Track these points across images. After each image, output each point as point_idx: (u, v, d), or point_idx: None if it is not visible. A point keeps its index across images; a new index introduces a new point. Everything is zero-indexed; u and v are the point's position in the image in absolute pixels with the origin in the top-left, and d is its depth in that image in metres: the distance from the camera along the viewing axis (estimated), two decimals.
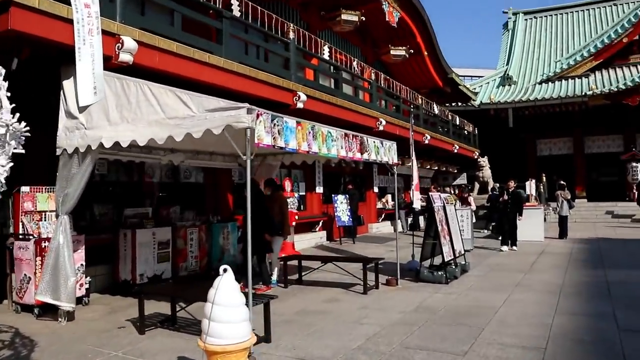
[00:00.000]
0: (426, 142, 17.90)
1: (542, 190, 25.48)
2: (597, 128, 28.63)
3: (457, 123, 23.66)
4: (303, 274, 9.28)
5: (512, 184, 13.49)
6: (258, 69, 9.62)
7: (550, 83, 29.31)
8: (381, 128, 14.45)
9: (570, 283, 8.49)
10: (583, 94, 26.15)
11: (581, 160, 29.21)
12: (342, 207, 15.48)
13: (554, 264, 10.65)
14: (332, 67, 13.53)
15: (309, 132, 5.93)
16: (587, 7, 36.21)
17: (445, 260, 8.76)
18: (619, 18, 31.66)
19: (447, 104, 28.16)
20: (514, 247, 13.28)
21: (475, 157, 24.70)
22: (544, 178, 26.45)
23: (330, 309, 7.02)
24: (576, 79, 28.69)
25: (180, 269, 9.29)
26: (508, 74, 31.53)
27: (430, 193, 9.03)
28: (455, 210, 14.77)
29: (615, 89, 25.19)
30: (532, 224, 15.81)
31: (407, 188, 22.66)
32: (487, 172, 21.67)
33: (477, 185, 22.00)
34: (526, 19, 37.87)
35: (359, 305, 7.24)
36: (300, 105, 10.63)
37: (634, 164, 26.44)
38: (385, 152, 8.19)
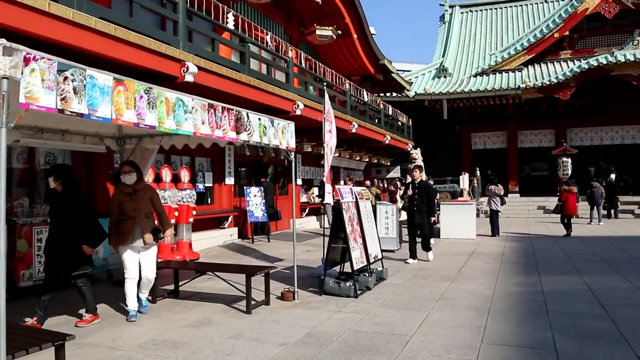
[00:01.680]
0: (353, 130, 16.36)
1: (475, 184, 24.70)
2: (530, 122, 28.24)
3: (390, 113, 22.33)
4: (187, 281, 7.45)
5: (417, 173, 10.38)
6: (129, 29, 7.65)
7: (485, 76, 28.64)
8: (298, 112, 12.74)
9: (502, 294, 7.09)
10: (517, 86, 25.53)
11: (514, 154, 28.72)
12: (255, 200, 13.68)
13: (484, 268, 9.31)
14: (238, 40, 11.68)
15: (140, 97, 4.10)
16: (521, 2, 36.05)
17: (355, 268, 7.16)
18: (550, 14, 31.53)
19: (381, 94, 26.91)
20: (429, 255, 10.44)
21: (409, 149, 23.50)
22: (478, 172, 25.69)
23: (190, 339, 5.24)
24: (510, 72, 28.18)
25: (20, 278, 7.24)
26: (444, 66, 30.69)
27: (337, 186, 7.38)
28: (376, 206, 13.34)
29: (548, 83, 24.66)
30: (464, 221, 14.66)
31: (336, 181, 21.15)
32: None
33: (409, 178, 20.69)
34: (462, 12, 37.32)
35: (232, 332, 5.50)
36: (189, 78, 8.73)
37: (565, 159, 26.07)
38: (276, 133, 6.46)
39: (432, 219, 10.44)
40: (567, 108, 27.14)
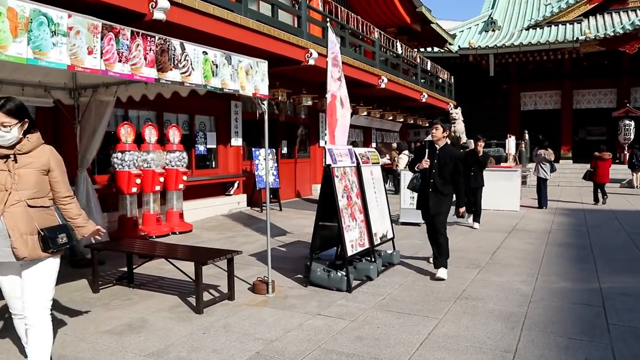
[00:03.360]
0: (382, 85, 14.46)
1: (523, 149, 22.35)
2: (589, 80, 25.35)
3: (429, 69, 20.16)
4: (141, 264, 6.01)
5: (439, 132, 6.14)
6: None
7: (538, 29, 25.73)
8: (312, 62, 10.97)
9: (543, 293, 5.32)
10: (575, 39, 22.68)
11: (569, 116, 25.97)
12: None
13: (524, 252, 7.49)
14: None
15: None
16: None
17: (350, 253, 5.52)
18: None
19: (421, 50, 24.59)
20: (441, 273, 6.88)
21: (449, 109, 21.32)
22: (527, 135, 23.28)
23: (95, 355, 3.77)
24: (567, 24, 25.20)
25: None
26: (492, 18, 27.89)
27: (328, 147, 5.64)
28: (394, 172, 11.55)
29: (612, 34, 21.75)
30: (506, 190, 12.71)
31: (367, 143, 19.35)
32: (459, 126, 18.20)
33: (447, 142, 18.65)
34: None
35: (159, 344, 4.00)
36: (159, 15, 7.11)
37: (627, 122, 23.29)
38: (235, 74, 4.79)
39: (461, 210, 6.29)
40: (633, 64, 24.10)
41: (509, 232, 9.31)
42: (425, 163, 6.05)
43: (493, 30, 27.14)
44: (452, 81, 23.45)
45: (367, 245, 5.93)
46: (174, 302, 5.17)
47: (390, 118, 18.85)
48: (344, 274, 5.42)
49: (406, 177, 10.39)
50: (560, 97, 26.16)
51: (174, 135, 9.57)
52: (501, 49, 23.75)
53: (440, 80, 21.80)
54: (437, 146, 6.13)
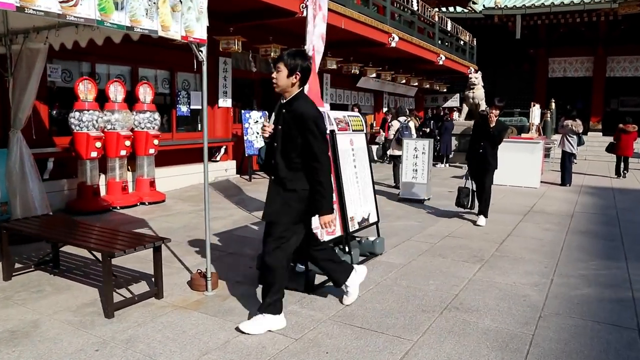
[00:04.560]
0: (393, 44, 13.04)
1: (548, 119, 20.75)
2: (625, 46, 23.29)
3: (449, 29, 18.53)
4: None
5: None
6: None
7: None
8: (308, 14, 9.58)
9: (559, 304, 4.13)
10: None
11: (601, 85, 24.06)
12: (256, 128, 10.93)
13: (539, 241, 6.25)
14: None
15: None
16: None
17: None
18: None
19: (442, 9, 22.82)
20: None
21: (469, 73, 19.75)
22: (553, 105, 21.61)
23: None
24: None
25: None
26: None
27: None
28: (396, 139, 10.36)
29: None
30: (527, 164, 11.38)
31: (378, 108, 17.99)
32: (479, 92, 16.74)
33: (465, 109, 17.22)
34: None
35: None
36: None
37: None
38: (153, 9, 3.57)
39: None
40: None
41: (524, 214, 8.05)
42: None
43: None
44: (475, 44, 21.75)
45: (338, 233, 4.77)
46: (88, 298, 4.12)
47: (404, 82, 17.41)
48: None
49: (408, 147, 9.16)
50: (593, 63, 24.22)
51: (145, 93, 8.43)
52: (530, 9, 21.83)
53: (462, 42, 20.16)
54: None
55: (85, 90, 7.51)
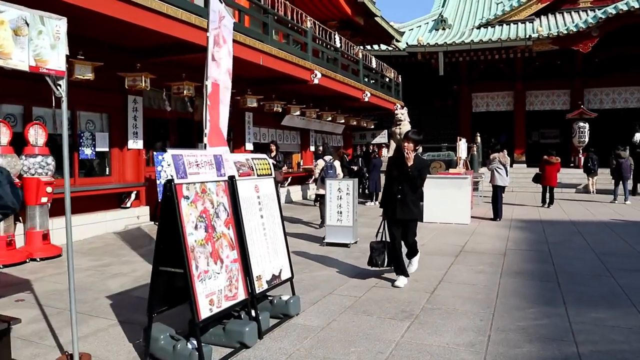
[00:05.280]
0: (316, 81, 12.62)
1: (475, 152, 21.00)
2: (542, 81, 24.32)
3: (374, 66, 18.50)
4: None
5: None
6: None
7: (490, 27, 24.57)
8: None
9: None
10: (527, 37, 21.52)
11: (522, 118, 24.86)
12: (170, 170, 10.02)
13: (472, 289, 5.73)
14: None
15: None
16: None
17: (204, 315, 3.57)
18: None
19: (367, 47, 22.97)
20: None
21: (396, 109, 19.73)
22: (479, 138, 21.98)
23: None
24: (519, 23, 24.13)
25: None
26: (442, 16, 26.58)
27: (171, 152, 3.62)
28: (320, 178, 9.87)
29: (566, 32, 20.67)
30: (456, 200, 11.10)
31: (305, 146, 17.48)
32: (405, 128, 16.49)
33: (392, 145, 16.96)
34: None
35: None
36: None
37: (582, 124, 22.31)
38: None
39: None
40: (586, 64, 23.23)
41: (456, 255, 7.58)
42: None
43: (443, 29, 25.82)
44: (400, 80, 21.89)
45: (241, 297, 4.01)
46: None
47: (330, 119, 17.05)
48: (193, 348, 3.48)
49: (332, 188, 8.58)
50: (513, 98, 25.05)
51: (37, 134, 7.43)
52: (451, 47, 22.38)
53: (387, 79, 20.20)
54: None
55: None
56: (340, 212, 8.47)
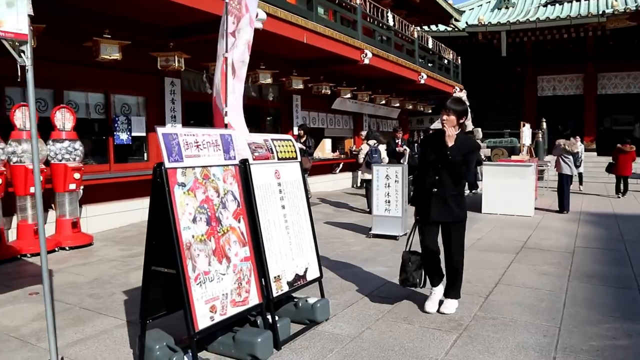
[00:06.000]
0: (366, 61, 11.86)
1: (540, 139, 19.64)
2: (616, 62, 22.29)
3: (430, 46, 17.47)
4: None
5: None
6: None
7: (557, 4, 22.78)
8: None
9: None
10: (600, 12, 19.74)
11: (592, 103, 23.01)
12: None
13: (534, 295, 4.90)
14: None
15: None
16: None
17: (202, 325, 3.00)
18: None
19: (424, 27, 21.86)
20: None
21: (454, 92, 18.63)
22: (545, 124, 20.51)
23: None
24: None
25: None
26: None
27: (161, 130, 3.03)
28: (365, 162, 9.18)
29: None
30: (518, 189, 10.14)
31: (358, 131, 16.73)
32: None
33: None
34: None
35: None
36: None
37: None
38: None
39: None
40: None
41: (516, 252, 6.71)
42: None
43: (506, 7, 24.26)
44: (459, 62, 20.69)
45: (254, 301, 3.41)
46: None
47: (383, 102, 16.21)
48: (196, 355, 2.92)
49: (379, 174, 7.88)
50: (583, 81, 23.19)
51: (64, 119, 7.12)
52: (515, 26, 20.88)
53: (445, 61, 19.09)
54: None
55: None
56: (389, 201, 7.76)
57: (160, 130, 2.92)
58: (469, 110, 14.69)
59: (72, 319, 4.22)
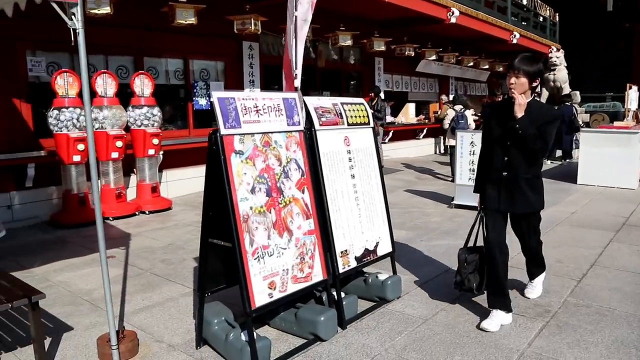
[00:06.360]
0: (453, 20, 11.13)
1: None
2: None
3: (524, 3, 16.17)
4: None
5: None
6: None
7: None
8: None
9: None
10: None
11: None
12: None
13: (636, 282, 4.33)
14: None
15: None
16: None
17: (260, 302, 2.83)
18: None
19: None
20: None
21: (550, 53, 17.24)
22: None
23: None
24: None
25: None
26: None
27: (217, 95, 2.81)
28: (451, 128, 8.70)
29: None
30: (620, 158, 9.18)
31: (445, 93, 15.95)
32: (560, 74, 14.29)
33: (544, 93, 14.84)
34: None
35: None
36: None
37: None
38: None
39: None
40: None
41: (616, 229, 6.03)
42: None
43: None
44: (557, 20, 19.05)
45: (317, 277, 3.20)
46: None
47: (471, 64, 15.28)
48: (244, 340, 2.77)
49: (463, 141, 7.38)
50: None
51: (142, 85, 7.21)
52: None
53: (541, 18, 17.64)
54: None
55: (65, 84, 6.38)
56: (473, 170, 7.25)
57: (215, 94, 2.72)
58: (567, 71, 13.52)
59: (142, 285, 4.25)
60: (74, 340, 3.25)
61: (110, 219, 6.80)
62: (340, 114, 3.59)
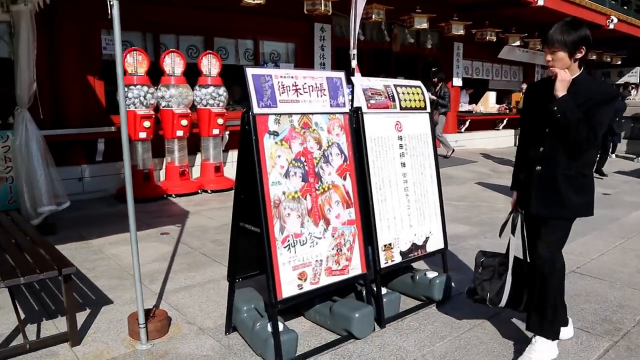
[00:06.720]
0: (540, 3, 10.34)
1: None
2: None
3: None
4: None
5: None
6: None
7: None
8: None
9: None
10: None
11: None
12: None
13: None
14: None
15: None
16: None
17: (286, 294, 2.66)
18: None
19: None
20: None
21: None
22: None
23: None
24: None
25: None
26: None
27: (251, 71, 2.60)
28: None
29: None
30: None
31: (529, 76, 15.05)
32: None
33: None
34: None
35: None
36: None
37: None
38: None
39: None
40: None
41: None
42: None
43: None
44: None
45: (355, 271, 2.98)
46: None
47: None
48: (267, 330, 2.62)
49: None
50: None
51: (210, 64, 7.22)
52: None
53: None
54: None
55: (135, 62, 6.50)
56: None
57: (249, 70, 2.54)
58: None
59: (188, 264, 4.23)
60: (110, 314, 3.26)
61: (173, 195, 6.92)
62: (393, 96, 3.33)
